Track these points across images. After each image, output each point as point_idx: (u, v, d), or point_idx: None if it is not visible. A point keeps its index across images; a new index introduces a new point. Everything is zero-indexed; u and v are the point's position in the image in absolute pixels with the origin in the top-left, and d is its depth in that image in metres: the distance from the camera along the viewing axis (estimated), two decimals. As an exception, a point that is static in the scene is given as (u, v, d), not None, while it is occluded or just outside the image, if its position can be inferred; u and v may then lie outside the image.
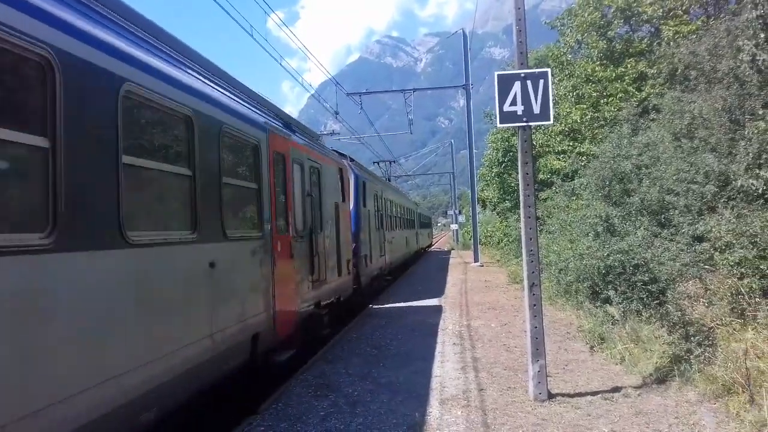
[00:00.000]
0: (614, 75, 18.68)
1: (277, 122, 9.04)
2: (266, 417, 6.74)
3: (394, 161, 37.16)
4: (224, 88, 7.27)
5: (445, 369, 8.76)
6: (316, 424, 6.47)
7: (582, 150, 18.49)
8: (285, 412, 6.93)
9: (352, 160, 16.61)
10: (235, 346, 6.56)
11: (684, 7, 17.83)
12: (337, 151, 16.04)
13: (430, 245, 59.77)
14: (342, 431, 6.25)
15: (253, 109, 8.09)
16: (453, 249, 53.42)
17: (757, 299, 8.10)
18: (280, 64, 19.34)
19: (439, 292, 18.75)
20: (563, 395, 7.16)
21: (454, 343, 10.56)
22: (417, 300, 17.15)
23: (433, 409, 6.84)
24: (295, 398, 7.45)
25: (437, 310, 14.83)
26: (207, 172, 6.00)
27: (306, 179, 9.89)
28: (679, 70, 14.79)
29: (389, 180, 34.66)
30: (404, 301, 16.95)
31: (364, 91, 32.35)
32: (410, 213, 32.81)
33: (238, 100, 7.55)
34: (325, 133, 37.65)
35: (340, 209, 12.48)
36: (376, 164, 35.98)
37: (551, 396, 7.06)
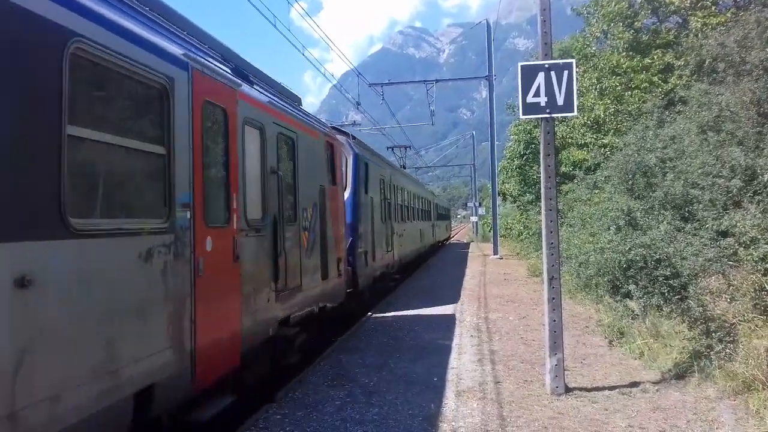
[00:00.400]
0: (640, 65, 18.39)
1: (218, 63, 6.51)
2: (283, 405, 6.79)
3: (409, 147, 33.26)
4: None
5: (462, 361, 8.74)
6: (333, 413, 6.51)
7: (605, 142, 18.27)
8: (302, 400, 6.97)
9: (353, 138, 14.44)
10: (88, 419, 3.85)
11: (713, -2, 17.51)
12: (337, 129, 13.93)
13: (448, 238, 56.65)
14: (358, 421, 6.27)
15: (173, 39, 5.44)
16: (472, 241, 53.23)
17: (781, 296, 7.95)
18: (303, 54, 19.31)
19: (454, 296, 16.04)
20: (580, 389, 7.11)
21: (471, 336, 10.54)
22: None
23: (449, 401, 6.84)
24: (312, 387, 7.49)
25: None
26: (30, 114, 3.56)
27: (269, 150, 7.39)
28: (707, 62, 14.51)
29: (404, 167, 31.16)
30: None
31: (386, 81, 32.23)
32: (425, 203, 30.64)
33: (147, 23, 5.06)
34: (346, 123, 37.69)
35: (328, 195, 9.95)
36: (390, 150, 32.47)
37: (568, 390, 7.02)
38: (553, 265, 7.12)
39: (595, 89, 19.56)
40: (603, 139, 18.73)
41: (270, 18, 15.29)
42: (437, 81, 32.18)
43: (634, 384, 7.28)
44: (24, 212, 3.44)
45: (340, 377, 7.92)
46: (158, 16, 5.45)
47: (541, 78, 7.06)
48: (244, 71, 7.55)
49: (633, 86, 18.48)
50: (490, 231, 38.24)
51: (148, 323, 4.60)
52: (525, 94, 7.13)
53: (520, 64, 7.33)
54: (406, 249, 20.93)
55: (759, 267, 8.47)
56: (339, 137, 12.09)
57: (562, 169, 19.83)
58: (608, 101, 18.76)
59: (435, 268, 25.89)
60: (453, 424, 6.10)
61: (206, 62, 5.94)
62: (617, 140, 16.76)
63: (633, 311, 9.92)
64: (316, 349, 9.49)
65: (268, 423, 6.22)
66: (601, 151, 17.83)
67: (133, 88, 4.70)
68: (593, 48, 21.94)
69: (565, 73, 7.04)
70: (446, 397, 7.01)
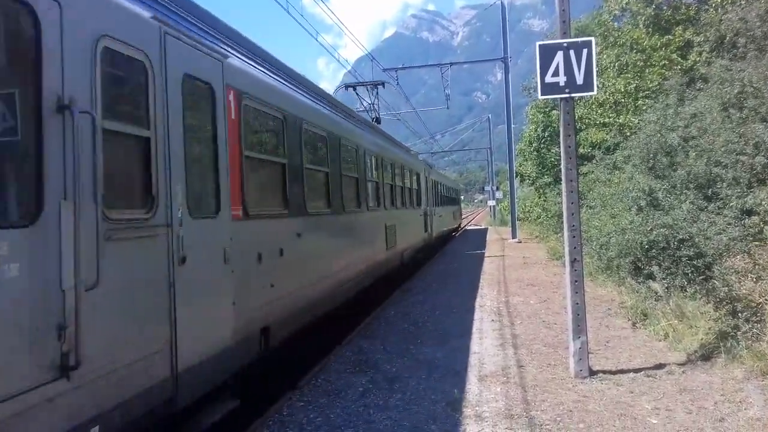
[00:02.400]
0: (659, 43, 18.05)
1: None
2: (306, 392, 6.80)
3: (382, 83, 21.61)
4: None
5: (484, 345, 8.70)
6: (356, 400, 6.50)
7: (622, 122, 18.00)
8: (324, 387, 6.98)
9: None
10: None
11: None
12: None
13: (457, 228, 43.90)
14: (381, 407, 6.26)
15: None
16: (491, 226, 52.97)
17: (809, 274, 7.81)
18: (316, 40, 19.27)
19: (473, 281, 16.10)
20: (605, 372, 7.04)
21: (492, 320, 10.49)
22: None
23: (472, 386, 6.81)
24: (334, 374, 7.49)
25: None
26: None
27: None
28: (727, 38, 14.22)
29: (378, 121, 20.55)
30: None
31: (400, 66, 32.01)
32: (414, 180, 19.40)
33: None
34: (360, 110, 37.57)
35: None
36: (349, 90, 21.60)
37: (592, 373, 6.95)
38: (575, 248, 7.03)
39: (614, 67, 19.26)
40: (619, 119, 18.47)
41: (283, 4, 15.23)
42: (452, 64, 31.94)
43: (660, 366, 7.19)
44: None
45: (362, 363, 7.92)
46: None
47: (559, 57, 6.94)
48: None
49: (652, 63, 18.16)
50: (508, 215, 38.03)
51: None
52: (543, 74, 7.01)
53: (538, 43, 7.20)
54: (350, 269, 10.36)
55: (786, 245, 8.34)
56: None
57: (581, 150, 19.60)
58: (629, 76, 18.45)
59: (454, 252, 25.81)
60: (477, 408, 6.07)
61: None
62: (636, 119, 16.52)
63: (656, 292, 9.81)
64: (337, 335, 9.50)
65: (291, 410, 6.24)
66: (621, 131, 17.59)
67: None
68: (612, 23, 21.58)
69: (585, 51, 6.91)
70: (469, 381, 6.97)
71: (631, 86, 18.03)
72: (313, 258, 8.25)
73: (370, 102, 21.06)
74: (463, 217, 56.51)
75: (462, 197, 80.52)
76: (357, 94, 20.89)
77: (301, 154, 7.97)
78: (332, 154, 9.62)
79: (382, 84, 21.72)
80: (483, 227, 52.23)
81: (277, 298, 6.74)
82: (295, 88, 8.58)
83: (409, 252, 17.26)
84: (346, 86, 21.14)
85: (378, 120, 20.82)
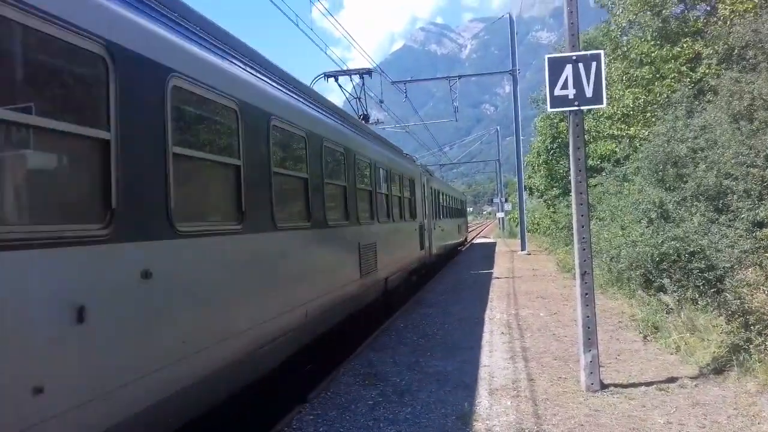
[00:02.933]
0: (670, 55, 18.05)
1: None
2: (315, 405, 6.78)
3: (368, 72, 18.76)
4: None
5: (494, 359, 8.66)
6: (365, 413, 6.48)
7: (632, 134, 17.98)
8: (334, 400, 6.96)
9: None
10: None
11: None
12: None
13: (463, 243, 39.30)
14: (391, 420, 6.24)
15: None
16: (499, 238, 52.80)
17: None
18: (325, 53, 19.36)
19: (482, 293, 16.29)
20: (616, 385, 6.99)
21: (502, 333, 10.44)
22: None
23: (483, 399, 6.77)
24: (344, 387, 7.47)
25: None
26: None
27: None
28: (736, 50, 14.21)
29: (366, 119, 18.33)
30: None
31: (409, 78, 32.13)
32: (407, 187, 15.92)
33: None
34: (371, 122, 37.67)
35: None
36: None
37: (604, 386, 6.90)
38: (585, 260, 7.01)
39: (622, 81, 19.27)
40: (629, 130, 18.45)
41: (293, 18, 15.35)
42: (460, 77, 32.00)
43: (672, 379, 7.13)
44: None
45: (372, 376, 7.89)
46: None
47: (568, 70, 6.96)
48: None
49: (661, 75, 18.16)
50: (517, 226, 37.93)
51: None
52: (552, 86, 7.03)
53: (546, 56, 7.22)
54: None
55: (798, 258, 8.28)
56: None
57: (590, 162, 19.59)
58: (637, 91, 18.45)
59: (462, 264, 25.76)
60: (487, 422, 6.04)
61: None
62: (646, 131, 16.50)
63: (667, 305, 9.74)
64: (346, 348, 9.49)
65: (301, 423, 6.22)
66: (630, 143, 17.57)
67: None
68: (620, 38, 21.62)
69: (594, 64, 6.92)
70: (479, 395, 6.94)
71: (640, 100, 18.02)
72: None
73: (355, 95, 18.55)
74: (470, 230, 54.12)
75: (470, 209, 79.99)
76: (339, 85, 18.17)
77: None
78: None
79: (368, 73, 18.67)
80: (491, 240, 48.46)
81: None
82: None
83: (397, 276, 13.44)
84: (326, 75, 18.28)
85: (366, 117, 18.25)
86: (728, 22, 15.74)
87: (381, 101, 28.46)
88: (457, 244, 33.20)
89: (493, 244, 41.58)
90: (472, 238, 51.42)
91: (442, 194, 26.12)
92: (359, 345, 9.87)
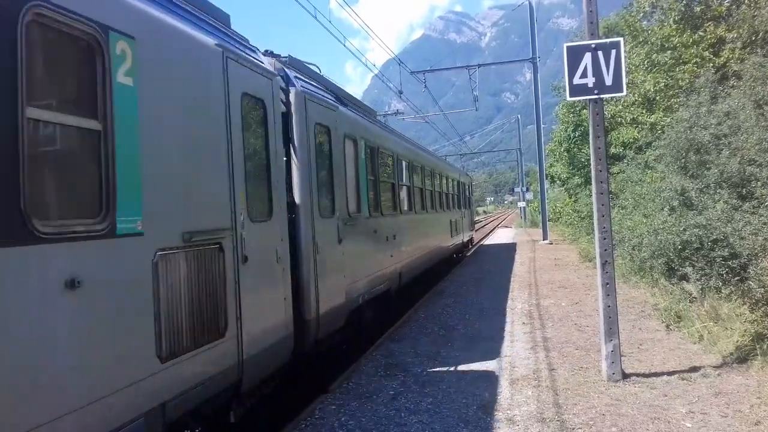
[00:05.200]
0: (691, 40, 17.74)
1: None
2: (337, 395, 6.87)
3: None
4: None
5: (515, 349, 8.68)
6: (387, 403, 6.55)
7: (653, 121, 17.73)
8: (356, 390, 7.04)
9: None
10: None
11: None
12: None
13: (469, 243, 28.43)
14: (412, 410, 6.29)
15: None
16: (521, 227, 52.46)
17: None
18: (344, 45, 19.37)
19: (504, 283, 16.36)
20: (638, 375, 6.97)
21: (523, 323, 10.44)
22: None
23: (504, 389, 6.80)
24: (365, 377, 7.55)
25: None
26: None
27: None
28: (761, 34, 13.95)
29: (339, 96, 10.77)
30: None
31: (428, 68, 32.01)
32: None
33: None
34: (389, 113, 37.64)
35: None
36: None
37: (625, 376, 6.89)
38: (605, 250, 6.99)
39: (644, 66, 19.00)
40: (651, 117, 18.20)
41: (311, 10, 15.38)
42: (480, 66, 31.81)
43: (694, 369, 7.09)
44: None
45: (393, 367, 7.96)
46: None
47: (587, 58, 6.91)
48: None
49: (684, 61, 17.87)
50: (538, 216, 37.69)
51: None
52: (572, 75, 6.99)
53: (565, 45, 7.18)
54: None
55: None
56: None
57: (612, 150, 19.38)
58: (658, 76, 18.18)
59: (485, 254, 25.71)
60: (508, 412, 6.07)
61: None
62: (668, 118, 16.28)
63: (690, 294, 9.66)
64: (368, 339, 9.56)
65: (323, 413, 6.31)
66: (652, 130, 17.35)
67: None
68: (642, 23, 21.28)
69: (613, 52, 6.86)
70: (500, 385, 6.97)
71: (661, 84, 17.75)
72: None
73: None
74: (483, 222, 47.22)
75: (492, 198, 78.51)
76: None
77: None
78: None
79: None
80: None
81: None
82: None
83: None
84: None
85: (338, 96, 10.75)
86: (751, 6, 15.43)
87: (400, 92, 28.42)
88: (465, 240, 25.44)
89: (513, 236, 40.89)
90: (483, 237, 39.61)
91: (447, 178, 18.78)
92: (381, 336, 9.93)
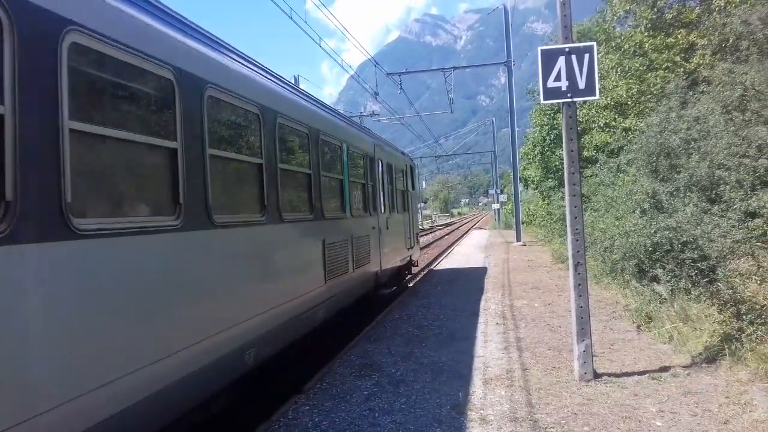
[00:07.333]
0: (664, 44, 18.05)
1: None
2: (311, 396, 6.83)
3: None
4: None
5: (489, 349, 8.72)
6: (360, 403, 6.54)
7: (626, 125, 18.02)
8: (329, 391, 7.02)
9: None
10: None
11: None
12: None
13: (406, 270, 16.83)
14: (386, 410, 6.29)
15: None
16: (495, 229, 52.80)
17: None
18: (319, 45, 19.37)
19: (477, 284, 16.46)
20: (609, 375, 7.06)
21: (496, 323, 10.50)
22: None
23: (477, 389, 6.83)
24: (339, 377, 7.52)
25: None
26: None
27: None
28: (730, 41, 14.24)
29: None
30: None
31: (404, 70, 32.09)
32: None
33: None
34: (364, 114, 37.64)
35: None
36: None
37: (597, 376, 6.97)
38: (578, 251, 7.06)
39: (616, 72, 19.28)
40: (624, 123, 18.49)
41: (286, 10, 15.32)
42: (455, 68, 31.93)
43: (664, 368, 7.20)
44: None
45: (367, 367, 7.95)
46: None
47: (561, 62, 6.97)
48: None
49: (655, 66, 18.18)
50: (512, 217, 38.00)
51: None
52: (546, 78, 7.05)
53: (539, 48, 7.24)
54: None
55: (790, 247, 8.34)
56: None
57: (585, 153, 19.64)
58: (631, 81, 18.46)
59: (458, 254, 25.82)
60: (481, 412, 6.09)
61: None
62: (640, 123, 16.54)
63: (660, 295, 9.81)
64: (342, 340, 9.53)
65: (297, 414, 6.27)
66: (624, 134, 17.61)
67: None
68: (615, 28, 21.59)
69: (586, 56, 6.94)
70: (473, 385, 7.00)
71: (633, 90, 18.04)
72: None
73: None
74: (462, 222, 42.57)
75: (466, 200, 79.06)
76: None
77: None
78: None
79: None
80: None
81: None
82: None
83: None
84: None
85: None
86: (721, 13, 15.76)
87: (376, 93, 28.45)
88: (363, 293, 11.99)
89: (486, 239, 40.90)
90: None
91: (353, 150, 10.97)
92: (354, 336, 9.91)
